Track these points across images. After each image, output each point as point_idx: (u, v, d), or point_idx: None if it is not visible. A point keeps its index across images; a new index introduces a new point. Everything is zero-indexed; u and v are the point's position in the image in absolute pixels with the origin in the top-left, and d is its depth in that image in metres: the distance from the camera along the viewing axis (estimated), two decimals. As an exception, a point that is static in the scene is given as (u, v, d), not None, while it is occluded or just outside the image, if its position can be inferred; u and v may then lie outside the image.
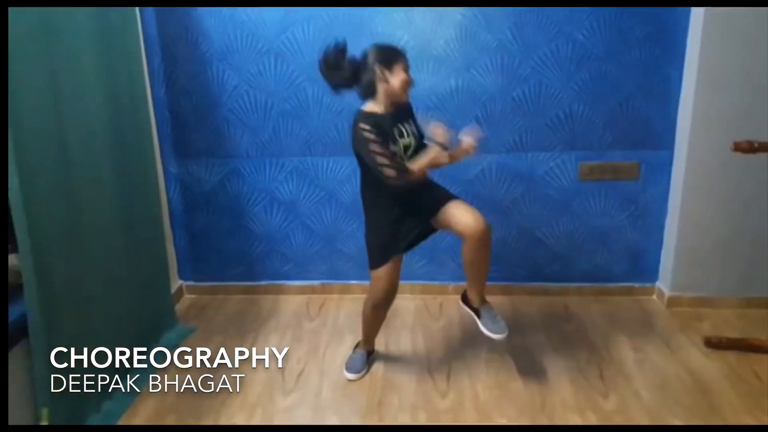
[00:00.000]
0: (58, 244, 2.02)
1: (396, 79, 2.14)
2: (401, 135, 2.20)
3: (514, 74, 2.85)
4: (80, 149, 2.16)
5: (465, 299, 2.46)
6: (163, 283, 2.90)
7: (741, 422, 2.14)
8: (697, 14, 2.66)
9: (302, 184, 3.13)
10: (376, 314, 2.46)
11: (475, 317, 2.39)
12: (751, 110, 2.69)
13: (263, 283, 3.34)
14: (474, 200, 3.06)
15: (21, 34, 1.82)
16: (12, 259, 2.04)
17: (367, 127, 2.09)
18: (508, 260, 3.18)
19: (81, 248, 2.16)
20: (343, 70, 2.18)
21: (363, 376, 2.52)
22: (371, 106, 2.19)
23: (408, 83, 2.18)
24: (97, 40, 2.29)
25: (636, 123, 2.91)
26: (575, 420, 2.18)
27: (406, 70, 2.17)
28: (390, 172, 2.05)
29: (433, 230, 2.36)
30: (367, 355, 2.60)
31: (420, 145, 2.25)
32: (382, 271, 2.30)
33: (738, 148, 2.36)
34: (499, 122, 2.94)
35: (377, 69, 2.14)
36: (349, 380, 2.49)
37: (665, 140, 2.93)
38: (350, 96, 2.91)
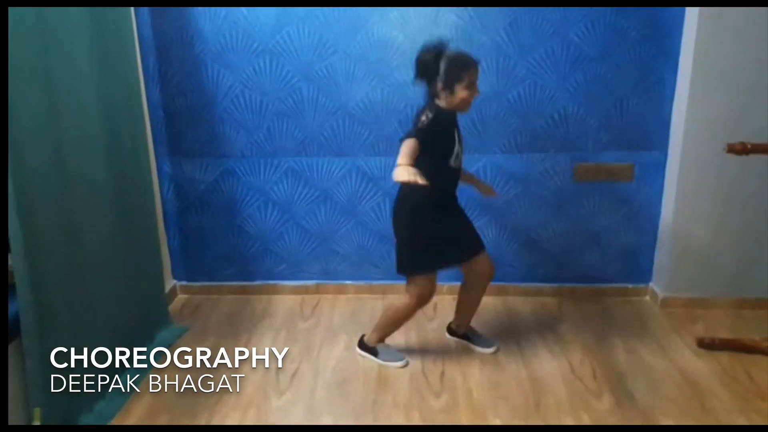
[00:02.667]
0: (52, 243, 2.01)
1: (458, 95, 2.20)
2: (460, 141, 2.30)
3: (509, 75, 2.86)
4: (74, 149, 2.15)
5: (452, 331, 2.77)
6: (156, 283, 2.89)
7: (734, 423, 2.15)
8: (692, 16, 2.67)
9: (297, 184, 3.12)
10: (407, 314, 2.54)
11: (468, 342, 2.71)
12: (745, 112, 2.70)
13: (257, 283, 3.33)
14: (468, 201, 3.06)
15: (15, 33, 1.81)
16: (10, 259, 2.03)
17: (433, 125, 2.17)
18: (503, 261, 3.18)
19: (74, 248, 2.15)
20: (429, 68, 2.21)
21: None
22: (431, 113, 2.19)
23: (468, 101, 2.23)
24: (92, 40, 2.28)
25: (630, 124, 2.92)
26: (569, 420, 2.19)
27: (470, 86, 2.19)
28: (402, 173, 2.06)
29: (470, 257, 2.48)
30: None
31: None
32: (425, 278, 2.41)
33: (731, 149, 2.37)
34: (494, 123, 2.94)
35: (440, 82, 2.19)
36: (403, 367, 2.56)
37: (659, 142, 2.94)
38: (344, 96, 2.93)
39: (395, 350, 2.63)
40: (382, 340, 2.63)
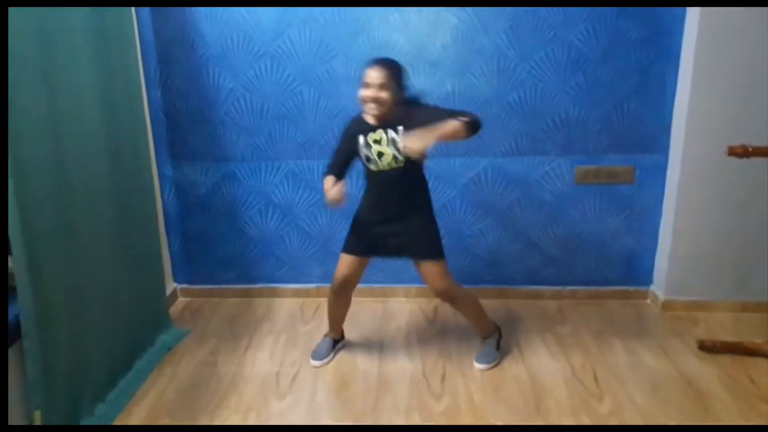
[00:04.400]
0: (53, 246, 2.01)
1: (359, 95, 2.26)
2: (377, 142, 2.29)
3: (509, 78, 2.86)
4: (75, 152, 2.15)
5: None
6: (157, 286, 2.89)
7: (734, 426, 2.15)
8: (693, 18, 2.67)
9: (297, 188, 3.13)
10: (331, 299, 2.64)
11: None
12: (746, 114, 2.70)
13: (258, 286, 3.33)
14: (469, 204, 3.08)
15: (16, 36, 1.81)
16: (10, 261, 2.03)
17: (345, 126, 2.45)
18: (503, 263, 3.19)
19: (75, 251, 2.15)
20: None
21: (326, 363, 2.65)
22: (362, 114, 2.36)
23: (362, 100, 2.25)
24: (93, 42, 2.29)
25: (631, 127, 2.92)
26: (569, 422, 2.18)
27: (367, 85, 2.22)
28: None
29: (399, 257, 2.52)
30: (333, 343, 2.73)
31: (397, 164, 2.29)
32: (342, 258, 2.50)
33: (732, 152, 2.37)
34: (494, 126, 2.94)
35: None
36: (314, 367, 2.62)
37: (660, 144, 2.94)
38: (345, 100, 2.94)
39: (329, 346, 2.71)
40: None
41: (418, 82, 2.88)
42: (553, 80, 2.86)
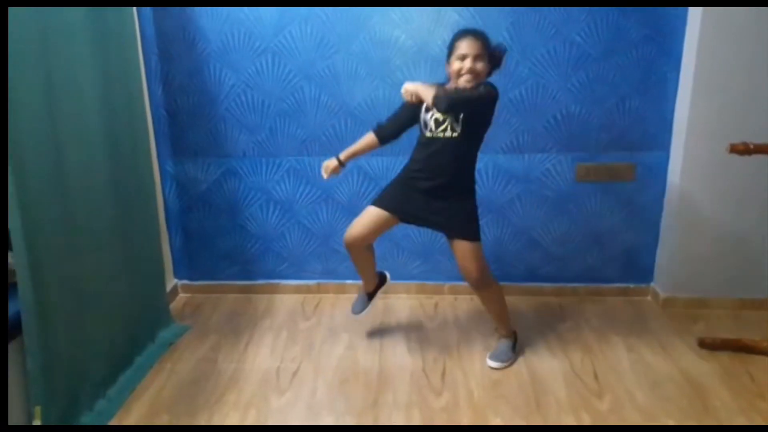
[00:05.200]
0: (53, 242, 2.01)
1: (451, 67, 2.27)
2: (446, 111, 2.28)
3: (511, 75, 2.86)
4: (76, 148, 2.16)
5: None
6: (158, 282, 2.89)
7: (734, 423, 2.15)
8: (694, 16, 2.67)
9: (298, 184, 3.13)
10: (350, 254, 2.57)
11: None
12: (747, 112, 2.70)
13: (259, 282, 3.34)
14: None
15: (16, 33, 1.81)
16: (10, 257, 2.03)
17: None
18: (504, 260, 3.19)
19: (76, 246, 2.15)
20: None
21: (366, 313, 2.77)
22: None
23: (458, 72, 2.24)
24: (94, 39, 2.28)
25: (632, 124, 2.91)
26: (569, 420, 2.18)
27: (462, 57, 2.23)
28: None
29: (436, 230, 2.56)
30: (367, 296, 2.77)
31: (466, 129, 2.31)
32: (371, 211, 2.47)
33: (734, 149, 2.37)
34: (495, 123, 2.91)
35: (446, 61, 2.34)
36: (356, 317, 2.78)
37: (661, 142, 2.93)
38: (346, 96, 2.94)
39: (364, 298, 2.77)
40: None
41: (418, 78, 2.87)
42: (555, 77, 2.85)
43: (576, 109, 2.90)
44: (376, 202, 2.48)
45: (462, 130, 2.29)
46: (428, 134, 2.35)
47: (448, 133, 2.31)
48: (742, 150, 2.35)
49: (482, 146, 2.96)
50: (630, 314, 3.00)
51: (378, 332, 2.87)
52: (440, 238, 3.13)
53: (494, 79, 2.83)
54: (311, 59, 2.91)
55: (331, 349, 2.72)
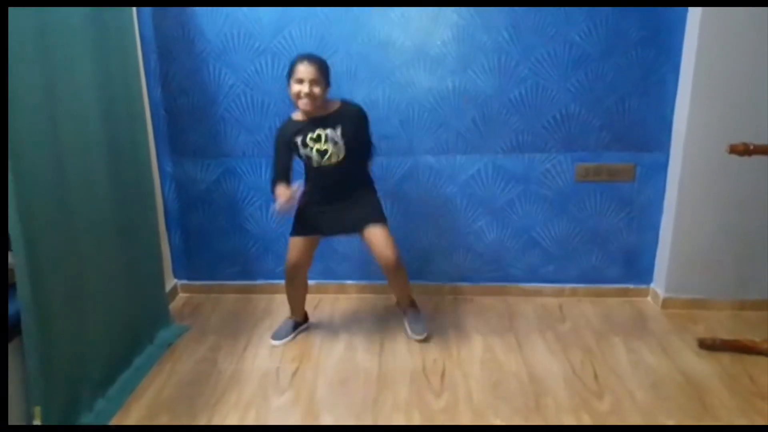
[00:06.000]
0: (52, 242, 2.01)
1: (291, 91, 2.40)
2: (317, 140, 2.46)
3: (511, 75, 2.86)
4: (75, 148, 2.15)
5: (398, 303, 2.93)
6: (157, 282, 2.89)
7: (734, 423, 2.15)
8: (694, 16, 2.67)
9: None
10: (287, 284, 2.76)
11: (404, 319, 2.85)
12: (747, 112, 2.70)
13: (258, 282, 3.33)
14: (469, 201, 3.07)
15: (16, 33, 1.81)
16: (10, 257, 2.03)
17: (277, 133, 2.59)
18: (503, 261, 3.19)
19: (75, 246, 2.15)
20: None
21: (286, 342, 2.78)
22: (295, 114, 2.54)
23: (297, 96, 2.38)
24: (93, 38, 2.28)
25: (632, 125, 2.91)
26: (569, 420, 2.18)
27: (299, 81, 2.35)
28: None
29: (351, 233, 2.67)
30: (294, 325, 2.84)
31: (350, 150, 2.49)
32: (292, 242, 2.65)
33: (733, 150, 2.37)
34: (495, 123, 2.94)
35: (287, 82, 2.45)
36: (273, 346, 2.75)
37: (661, 142, 2.93)
38: (345, 96, 2.92)
39: (289, 327, 2.83)
40: (292, 312, 2.86)
41: (418, 78, 2.89)
42: (554, 77, 2.85)
43: (576, 109, 2.90)
44: (292, 233, 2.66)
45: (346, 153, 2.49)
46: (315, 165, 2.53)
47: (334, 159, 2.48)
48: (742, 150, 2.35)
49: (482, 146, 2.98)
50: (630, 315, 3.00)
51: (378, 333, 2.87)
52: (439, 239, 3.13)
53: (494, 78, 2.87)
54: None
55: (331, 350, 2.72)
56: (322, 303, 3.19)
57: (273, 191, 2.52)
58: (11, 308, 1.92)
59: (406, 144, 2.98)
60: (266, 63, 2.92)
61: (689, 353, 2.62)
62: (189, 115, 3.05)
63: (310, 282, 3.27)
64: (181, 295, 3.36)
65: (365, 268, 3.25)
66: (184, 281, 3.38)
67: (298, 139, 2.48)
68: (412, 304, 2.86)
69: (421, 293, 3.22)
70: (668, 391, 2.35)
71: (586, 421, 2.18)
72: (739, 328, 2.81)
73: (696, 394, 2.32)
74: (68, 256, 2.10)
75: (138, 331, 2.65)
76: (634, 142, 2.94)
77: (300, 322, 2.88)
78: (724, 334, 2.72)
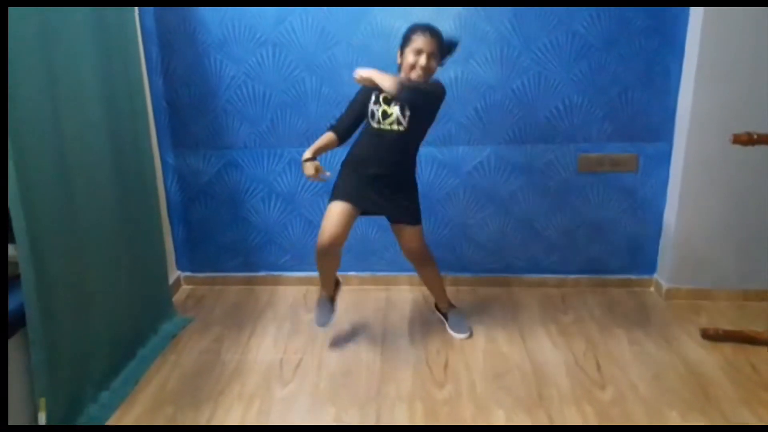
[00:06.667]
0: (56, 234, 2.01)
1: (405, 60, 2.29)
2: (388, 103, 2.35)
3: (513, 65, 2.84)
4: (77, 140, 2.15)
5: (436, 306, 2.88)
6: (160, 274, 2.90)
7: (737, 414, 2.15)
8: (697, 7, 2.65)
9: (300, 176, 3.11)
10: (321, 259, 2.53)
11: (444, 321, 2.80)
12: (751, 102, 2.68)
13: (261, 274, 3.34)
14: (472, 192, 3.07)
15: (17, 26, 1.80)
16: (10, 250, 2.03)
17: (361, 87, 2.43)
18: (506, 252, 3.19)
19: (78, 239, 2.15)
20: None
21: (332, 323, 2.69)
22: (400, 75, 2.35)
23: (411, 66, 2.27)
24: (94, 31, 2.27)
25: (635, 115, 2.90)
26: (572, 411, 2.19)
27: (418, 51, 2.25)
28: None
29: (386, 217, 2.58)
30: (329, 301, 2.69)
31: (412, 127, 2.38)
32: (335, 207, 2.44)
33: (737, 140, 2.36)
34: (498, 114, 2.93)
35: (397, 53, 2.35)
36: (323, 330, 2.71)
37: (664, 132, 2.92)
38: (347, 87, 2.91)
39: (327, 305, 2.69)
40: (323, 288, 2.70)
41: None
42: (557, 68, 2.84)
43: (578, 99, 2.88)
44: (338, 197, 2.45)
45: (408, 125, 2.36)
46: (375, 125, 2.40)
47: (395, 127, 2.37)
48: (745, 140, 2.34)
49: (485, 137, 2.97)
50: (633, 305, 3.00)
51: (381, 324, 2.87)
52: (442, 231, 3.13)
53: (497, 69, 2.85)
54: (312, 50, 2.89)
55: (334, 341, 2.72)
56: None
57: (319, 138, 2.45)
58: (14, 301, 1.93)
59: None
60: (267, 54, 2.91)
61: (692, 344, 2.62)
62: (190, 107, 3.04)
63: (313, 273, 3.26)
64: (185, 287, 3.37)
65: (367, 259, 3.26)
66: (188, 273, 3.38)
67: (375, 93, 2.37)
68: (449, 306, 2.81)
69: (424, 285, 3.22)
70: (671, 381, 2.35)
71: (589, 412, 2.18)
72: (742, 319, 2.81)
73: (698, 385, 2.32)
74: (71, 248, 2.11)
75: (142, 323, 2.66)
76: (637, 132, 2.93)
77: (334, 295, 2.72)
78: (727, 325, 2.72)
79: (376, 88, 2.30)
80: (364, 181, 2.45)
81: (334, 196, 2.47)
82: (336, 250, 2.48)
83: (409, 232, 2.54)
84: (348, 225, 2.43)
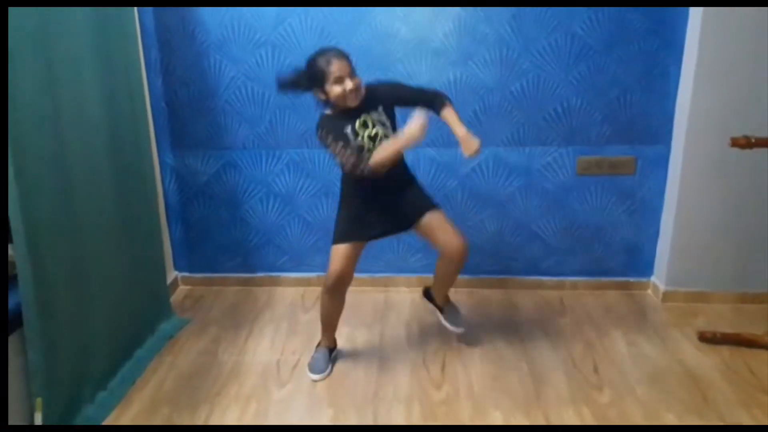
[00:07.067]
0: (54, 234, 2.01)
1: (332, 94, 2.15)
2: (365, 126, 2.23)
3: (512, 68, 2.84)
4: (76, 140, 2.15)
5: (428, 295, 2.72)
6: (158, 274, 2.89)
7: (734, 416, 2.15)
8: (697, 9, 2.65)
9: (298, 177, 3.12)
10: (327, 300, 2.46)
11: (438, 312, 2.65)
12: (749, 106, 2.69)
13: (259, 274, 3.33)
14: (470, 194, 3.07)
15: (17, 25, 1.80)
16: (8, 249, 2.03)
17: (321, 131, 2.20)
18: (504, 254, 3.18)
19: (76, 239, 2.15)
20: (300, 87, 2.29)
21: (327, 375, 2.48)
22: (327, 111, 2.27)
23: (342, 96, 2.14)
24: (94, 31, 2.27)
25: (634, 118, 2.90)
26: (569, 413, 2.19)
27: (339, 80, 2.12)
28: (347, 166, 2.14)
29: (404, 230, 2.43)
30: (329, 352, 2.56)
31: (391, 129, 2.29)
32: (338, 250, 2.35)
33: (735, 143, 2.37)
34: (496, 116, 2.93)
35: (314, 92, 2.22)
36: (314, 381, 2.44)
37: (663, 135, 2.93)
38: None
39: (326, 357, 2.53)
40: (324, 338, 2.59)
41: (419, 71, 2.87)
42: (556, 70, 2.84)
43: (577, 102, 2.89)
44: (339, 239, 2.36)
45: (393, 132, 2.29)
46: (367, 155, 2.22)
47: (383, 139, 2.25)
48: (744, 144, 2.35)
49: (483, 139, 2.95)
50: (630, 308, 3.00)
51: (378, 325, 2.87)
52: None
53: (496, 71, 2.85)
54: (311, 51, 2.88)
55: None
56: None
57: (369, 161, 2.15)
58: (12, 300, 1.93)
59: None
60: (267, 55, 2.91)
61: (689, 346, 2.62)
62: (189, 107, 3.04)
63: (311, 274, 3.29)
64: (182, 288, 3.37)
65: (365, 261, 3.23)
66: (185, 274, 3.38)
67: (348, 129, 2.21)
68: (448, 300, 2.66)
69: (421, 286, 3.22)
70: (668, 384, 2.35)
71: (586, 413, 2.18)
72: (740, 321, 2.82)
73: (696, 388, 2.32)
74: (70, 248, 2.10)
75: (139, 324, 2.66)
76: (636, 135, 2.94)
77: (332, 348, 2.60)
78: (725, 327, 2.72)
79: (345, 126, 2.20)
80: (367, 206, 2.35)
81: (335, 238, 2.37)
82: (343, 290, 2.45)
83: (436, 220, 2.35)
84: (353, 263, 2.39)
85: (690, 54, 2.72)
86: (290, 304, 3.11)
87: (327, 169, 3.09)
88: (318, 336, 2.74)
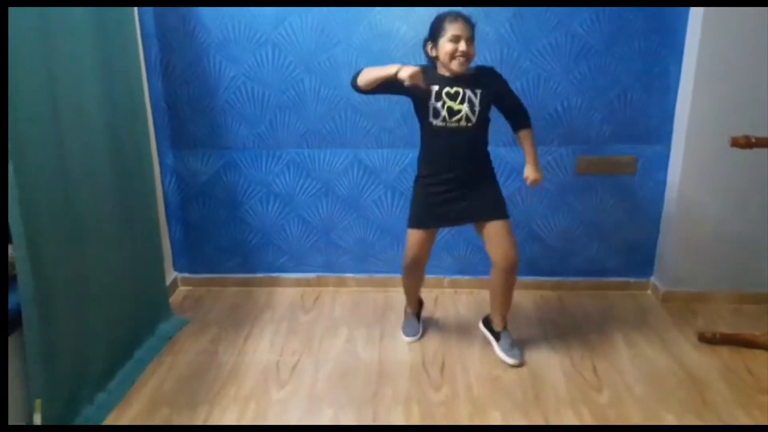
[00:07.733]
0: (53, 234, 2.00)
1: (442, 50, 2.20)
2: (454, 98, 2.24)
3: (512, 67, 2.84)
4: (76, 140, 2.15)
5: (486, 322, 2.69)
6: (158, 275, 2.89)
7: (733, 417, 2.15)
8: (697, 8, 2.65)
9: (299, 177, 3.12)
10: (404, 277, 2.64)
11: (494, 340, 2.60)
12: (749, 105, 2.68)
13: (259, 275, 3.33)
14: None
15: (16, 26, 1.80)
16: (9, 249, 2.03)
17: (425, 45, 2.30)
18: (504, 254, 3.18)
19: (76, 239, 2.15)
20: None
21: (420, 337, 2.72)
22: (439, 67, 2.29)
23: (452, 54, 2.18)
24: (94, 30, 2.27)
25: (634, 117, 2.90)
26: (569, 414, 2.19)
27: (456, 38, 2.16)
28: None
29: (467, 223, 2.48)
30: (417, 318, 2.78)
31: (482, 119, 2.31)
32: (412, 234, 2.46)
33: (735, 143, 2.36)
34: (496, 115, 2.91)
35: (426, 46, 2.28)
36: (409, 343, 2.69)
37: (663, 135, 2.92)
38: (347, 88, 2.91)
39: (415, 321, 2.77)
40: (408, 305, 2.80)
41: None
42: (556, 69, 2.84)
43: (577, 101, 2.88)
44: (411, 224, 2.46)
45: (477, 119, 2.28)
46: (439, 124, 2.28)
47: (463, 123, 2.27)
48: (744, 143, 2.35)
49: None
50: (630, 308, 3.00)
51: (378, 326, 2.87)
52: (441, 233, 3.12)
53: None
54: (311, 51, 2.89)
55: (331, 343, 2.72)
56: (322, 296, 3.19)
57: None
58: (11, 301, 1.93)
59: (408, 136, 2.96)
60: (267, 54, 2.91)
61: (689, 347, 2.62)
62: (189, 107, 3.04)
63: (310, 275, 3.29)
64: (182, 288, 3.36)
65: (365, 261, 3.25)
66: (185, 274, 3.38)
67: (435, 88, 2.21)
68: (505, 325, 2.59)
69: (422, 286, 3.22)
70: (667, 384, 2.35)
71: (586, 414, 2.18)
72: (739, 322, 2.82)
73: (695, 388, 2.32)
74: (69, 248, 2.10)
75: (139, 324, 2.66)
76: (636, 134, 2.93)
77: (419, 312, 2.81)
78: (724, 328, 2.72)
79: (437, 82, 2.23)
80: (438, 195, 2.36)
81: (409, 221, 2.48)
82: (420, 268, 2.58)
83: (497, 228, 2.35)
84: (427, 246, 2.49)
85: (690, 53, 2.72)
86: (290, 305, 3.11)
87: (327, 169, 3.09)
88: (318, 336, 2.77)
